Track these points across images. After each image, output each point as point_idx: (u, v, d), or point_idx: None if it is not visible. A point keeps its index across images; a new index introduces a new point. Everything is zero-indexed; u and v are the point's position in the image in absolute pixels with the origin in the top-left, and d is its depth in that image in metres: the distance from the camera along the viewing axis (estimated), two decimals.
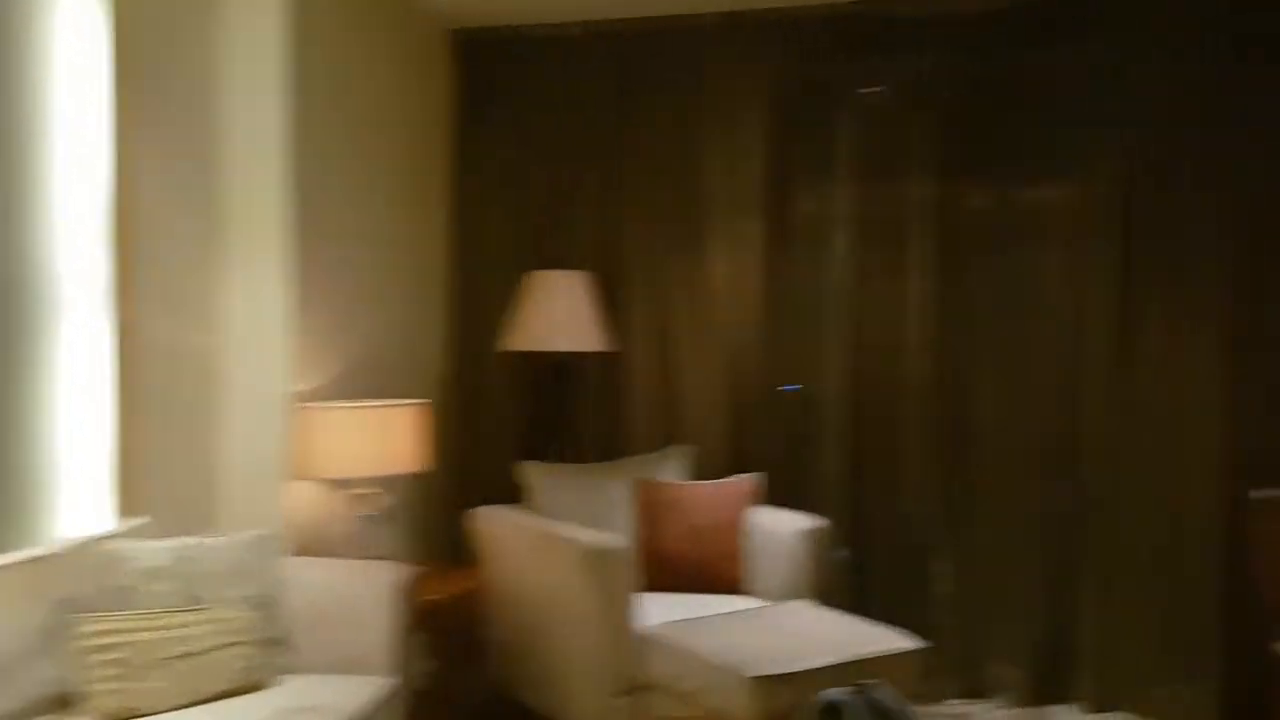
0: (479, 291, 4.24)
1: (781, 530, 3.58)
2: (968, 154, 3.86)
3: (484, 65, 4.24)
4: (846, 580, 3.93)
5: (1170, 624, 3.63)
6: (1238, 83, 3.53)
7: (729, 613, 3.26)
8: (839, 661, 2.86)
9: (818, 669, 2.81)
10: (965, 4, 3.77)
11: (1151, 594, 3.66)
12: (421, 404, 3.35)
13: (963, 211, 3.89)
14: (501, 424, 4.22)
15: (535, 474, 3.66)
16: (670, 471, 3.86)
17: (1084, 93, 3.72)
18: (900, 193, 3.92)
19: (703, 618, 3.18)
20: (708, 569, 3.57)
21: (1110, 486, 3.71)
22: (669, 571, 3.56)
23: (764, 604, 3.43)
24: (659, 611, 3.26)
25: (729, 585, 3.57)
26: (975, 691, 3.86)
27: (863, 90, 3.95)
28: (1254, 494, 2.99)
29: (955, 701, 3.83)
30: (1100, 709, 3.72)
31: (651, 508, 3.63)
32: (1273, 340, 3.54)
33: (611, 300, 4.12)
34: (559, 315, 3.86)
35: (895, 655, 2.98)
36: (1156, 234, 3.65)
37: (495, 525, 3.52)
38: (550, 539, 3.24)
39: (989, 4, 3.75)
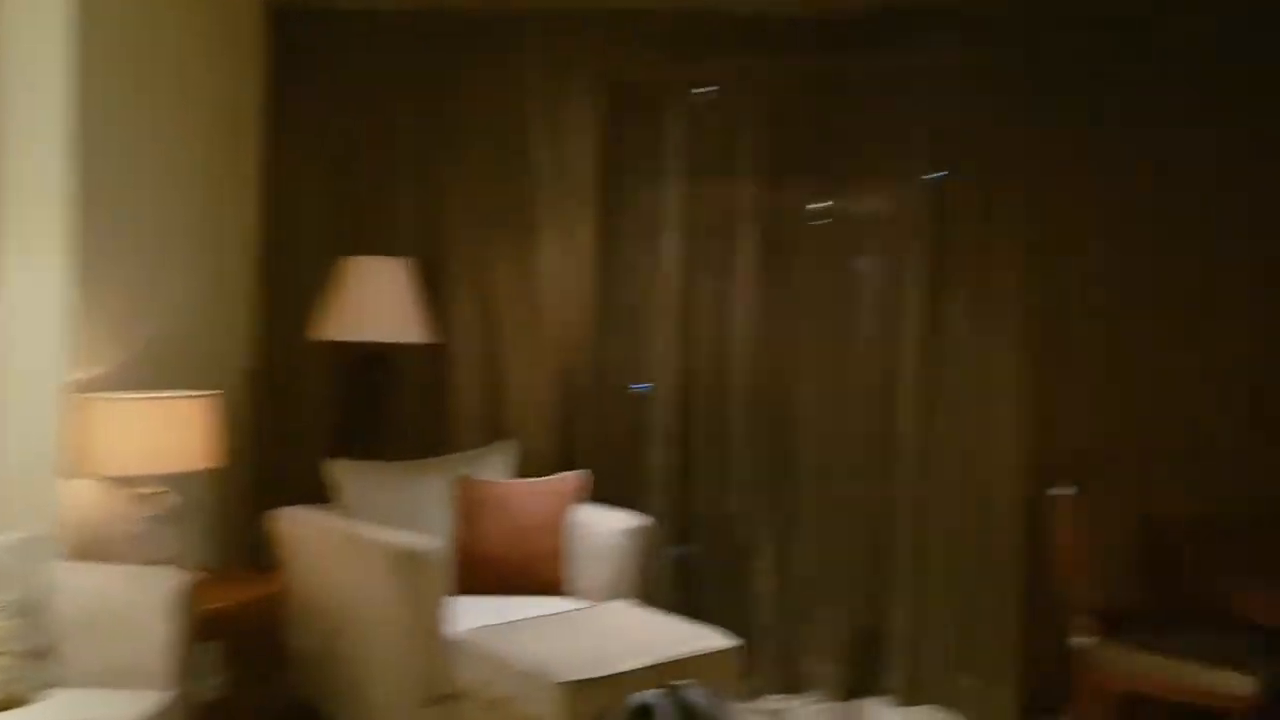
0: (293, 277, 4.00)
1: (606, 529, 3.52)
2: (794, 156, 3.90)
3: (302, 41, 4.00)
4: (673, 579, 3.91)
5: (976, 619, 3.75)
6: (1043, 88, 3.69)
7: (547, 615, 3.17)
8: (654, 663, 2.81)
9: (631, 671, 2.75)
10: (797, 7, 3.80)
11: (959, 590, 3.77)
12: (212, 396, 3.11)
13: (788, 212, 3.93)
14: (314, 418, 4.00)
15: (345, 472, 3.47)
16: (493, 469, 3.74)
17: (903, 98, 3.81)
18: (729, 192, 3.93)
19: (519, 621, 3.08)
20: (528, 570, 3.47)
21: (922, 485, 3.82)
22: (488, 573, 3.45)
23: (584, 605, 3.35)
24: (474, 615, 3.14)
25: (550, 587, 3.48)
26: (793, 687, 3.91)
27: (696, 90, 3.93)
28: (1051, 491, 3.11)
29: (773, 697, 3.86)
30: (910, 702, 3.82)
31: (471, 507, 3.51)
32: (1066, 343, 3.71)
33: (434, 290, 3.97)
34: (376, 303, 3.68)
35: (711, 654, 2.96)
36: (964, 238, 3.77)
37: (298, 527, 3.32)
38: (356, 541, 3.08)
39: (821, 7, 3.79)
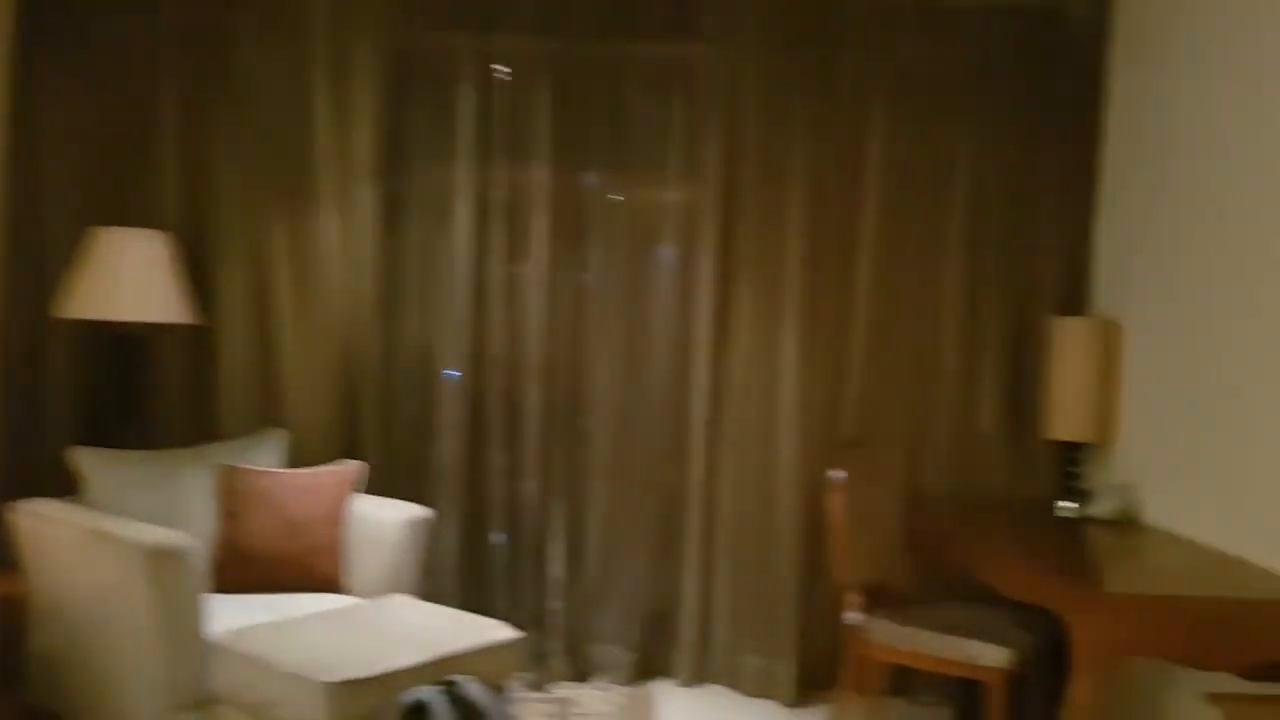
0: (38, 250, 3.63)
1: (385, 521, 3.37)
2: (589, 142, 3.85)
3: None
4: (459, 571, 3.81)
5: (760, 599, 3.83)
6: (824, 81, 3.79)
7: (319, 613, 3.00)
8: (431, 659, 2.70)
9: (405, 669, 2.63)
10: None
11: (745, 572, 3.84)
12: None
13: (583, 198, 3.88)
14: (62, 404, 3.65)
15: (91, 461, 3.17)
16: (263, 458, 3.52)
17: (695, 88, 3.82)
18: (522, 174, 3.84)
19: (288, 620, 2.90)
20: (300, 566, 3.28)
21: (711, 469, 3.86)
22: (255, 570, 3.24)
23: (361, 602, 3.20)
24: (238, 615, 2.94)
25: (324, 583, 3.30)
26: (583, 674, 3.88)
27: (492, 67, 3.81)
28: (826, 474, 3.19)
29: (562, 686, 3.82)
30: (696, 683, 3.87)
31: (236, 499, 3.28)
32: (845, 335, 3.83)
33: (199, 266, 3.69)
34: (131, 279, 3.38)
35: (493, 647, 2.87)
36: (753, 229, 3.83)
37: (39, 521, 3.01)
38: (103, 537, 2.81)
39: None
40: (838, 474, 3.13)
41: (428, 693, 2.53)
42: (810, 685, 3.82)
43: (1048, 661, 3.24)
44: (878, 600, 3.32)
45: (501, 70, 3.83)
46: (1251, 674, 2.48)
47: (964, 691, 3.70)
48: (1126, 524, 3.33)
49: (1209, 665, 2.48)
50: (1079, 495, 3.55)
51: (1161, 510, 3.28)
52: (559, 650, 3.85)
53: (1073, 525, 3.32)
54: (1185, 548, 2.99)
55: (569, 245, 3.87)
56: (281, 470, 3.42)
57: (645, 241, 3.92)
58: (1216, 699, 2.16)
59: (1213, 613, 2.43)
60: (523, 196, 3.84)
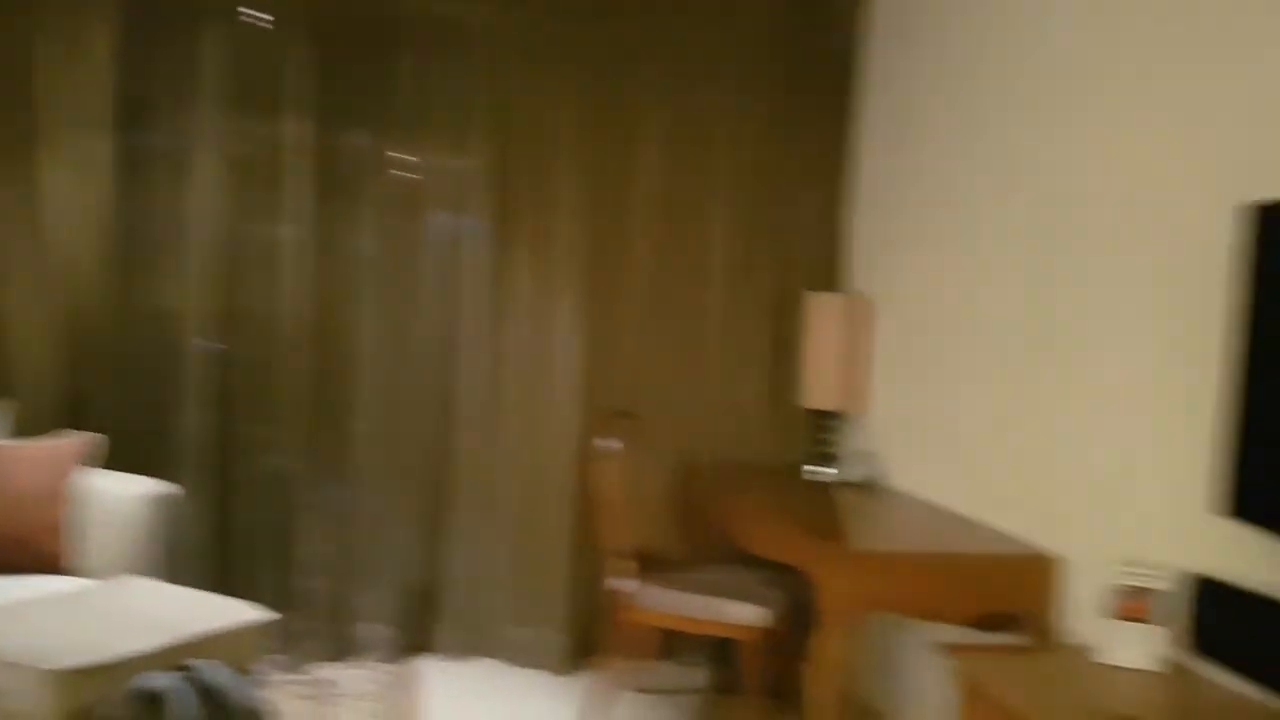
0: None
1: (122, 498, 3.10)
2: (355, 101, 3.67)
3: None
4: (207, 549, 3.58)
5: (530, 570, 3.82)
6: (595, 48, 3.78)
7: (44, 597, 2.73)
8: (170, 643, 2.51)
9: (141, 654, 2.44)
10: None
11: (515, 542, 3.81)
12: None
13: (352, 157, 3.70)
14: None
15: None
16: None
17: (468, 49, 3.73)
18: (277, 131, 3.61)
19: (7, 605, 2.63)
20: (20, 546, 2.98)
21: (484, 438, 3.80)
22: None
23: (92, 584, 2.94)
24: None
25: (49, 564, 3.01)
26: (345, 653, 3.75)
27: (243, 11, 3.55)
28: (596, 443, 3.21)
29: (322, 665, 3.67)
30: (464, 657, 3.81)
31: None
32: (619, 305, 3.86)
33: None
34: None
35: (239, 629, 2.71)
36: (528, 198, 3.78)
37: None
38: None
39: None
40: (608, 443, 3.14)
41: (164, 679, 2.35)
42: (580, 653, 3.84)
43: (799, 619, 3.40)
44: (646, 567, 3.37)
45: (259, 17, 3.58)
46: (980, 624, 2.69)
47: (725, 651, 3.83)
48: (872, 488, 3.54)
49: (942, 617, 2.66)
50: (830, 461, 3.74)
51: (905, 475, 3.49)
52: (318, 630, 3.70)
53: (823, 489, 3.49)
54: (924, 509, 3.20)
55: (335, 207, 3.69)
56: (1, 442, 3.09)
57: (418, 205, 3.78)
58: (949, 649, 2.32)
59: (945, 567, 2.61)
60: (283, 155, 3.62)
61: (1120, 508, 2.47)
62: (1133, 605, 2.23)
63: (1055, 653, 2.39)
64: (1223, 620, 2.07)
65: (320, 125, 3.64)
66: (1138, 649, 2.22)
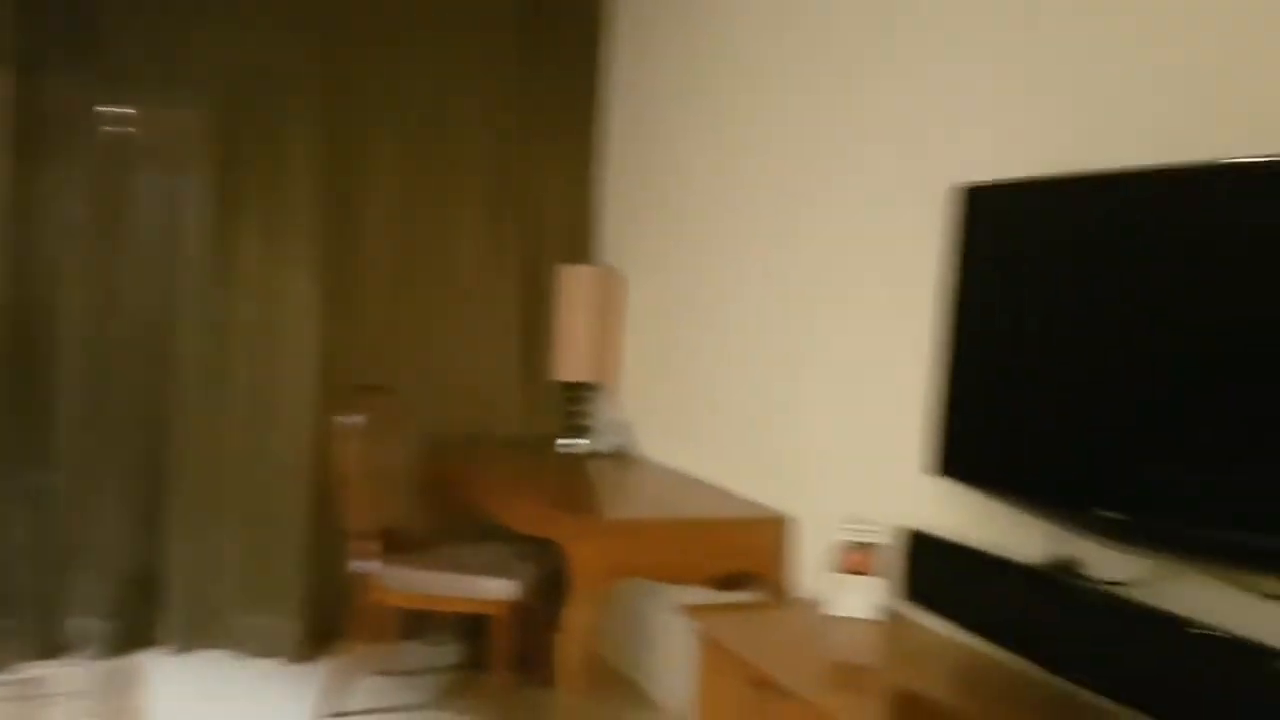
0: None
1: None
2: (55, 48, 3.31)
3: None
4: None
5: (263, 554, 3.61)
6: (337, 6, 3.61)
7: None
8: None
9: None
10: None
11: (246, 525, 3.59)
12: None
13: (48, 111, 3.33)
14: None
15: None
16: None
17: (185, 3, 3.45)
18: None
19: None
20: None
21: (210, 414, 3.55)
22: None
23: None
24: None
25: None
26: (56, 650, 3.42)
27: None
28: (337, 419, 3.07)
29: (30, 665, 3.33)
30: (188, 649, 3.57)
31: None
32: (359, 275, 3.71)
33: None
34: None
35: None
36: (255, 159, 3.55)
37: None
38: None
39: None
40: (350, 419, 3.02)
41: None
42: (318, 640, 3.67)
43: (551, 591, 3.40)
44: (392, 546, 3.27)
45: None
46: (720, 585, 2.79)
47: (476, 628, 3.78)
48: (623, 458, 3.59)
49: (685, 579, 2.74)
50: (582, 432, 3.76)
51: (654, 445, 3.57)
52: (23, 627, 3.35)
53: (575, 461, 3.50)
54: (671, 478, 3.28)
55: (36, 167, 3.32)
56: None
57: (130, 164, 3.47)
58: (691, 610, 2.38)
59: (687, 532, 2.69)
60: None
61: (846, 470, 2.62)
62: (856, 559, 2.37)
63: (788, 607, 2.51)
64: (933, 570, 2.23)
65: (19, 71, 3.26)
66: (861, 600, 2.37)
